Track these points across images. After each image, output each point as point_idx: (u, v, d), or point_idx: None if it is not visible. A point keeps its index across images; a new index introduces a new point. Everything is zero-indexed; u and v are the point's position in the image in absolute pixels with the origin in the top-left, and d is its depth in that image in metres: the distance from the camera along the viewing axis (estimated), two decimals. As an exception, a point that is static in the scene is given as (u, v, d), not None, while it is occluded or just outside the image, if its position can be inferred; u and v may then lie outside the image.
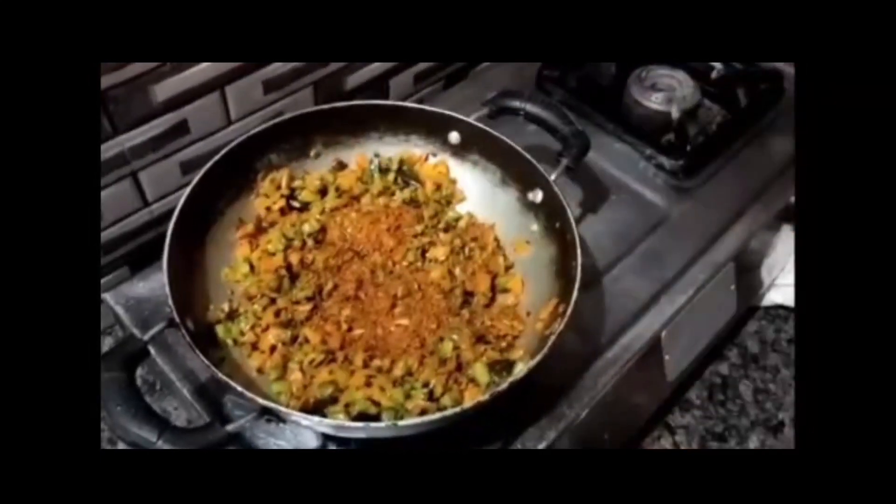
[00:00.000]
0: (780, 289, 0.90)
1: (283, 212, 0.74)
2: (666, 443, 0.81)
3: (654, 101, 0.90)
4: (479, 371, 0.64)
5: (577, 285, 0.61)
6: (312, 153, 0.76)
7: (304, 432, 0.64)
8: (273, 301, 0.68)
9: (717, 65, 0.96)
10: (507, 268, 0.74)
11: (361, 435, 0.58)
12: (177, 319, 0.57)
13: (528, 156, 0.71)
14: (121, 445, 0.76)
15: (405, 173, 0.78)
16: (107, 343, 0.83)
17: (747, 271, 0.86)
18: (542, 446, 0.66)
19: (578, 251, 0.63)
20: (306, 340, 0.66)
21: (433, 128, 0.77)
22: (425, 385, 0.63)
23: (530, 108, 0.74)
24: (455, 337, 0.66)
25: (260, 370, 0.65)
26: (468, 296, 0.71)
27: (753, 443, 0.81)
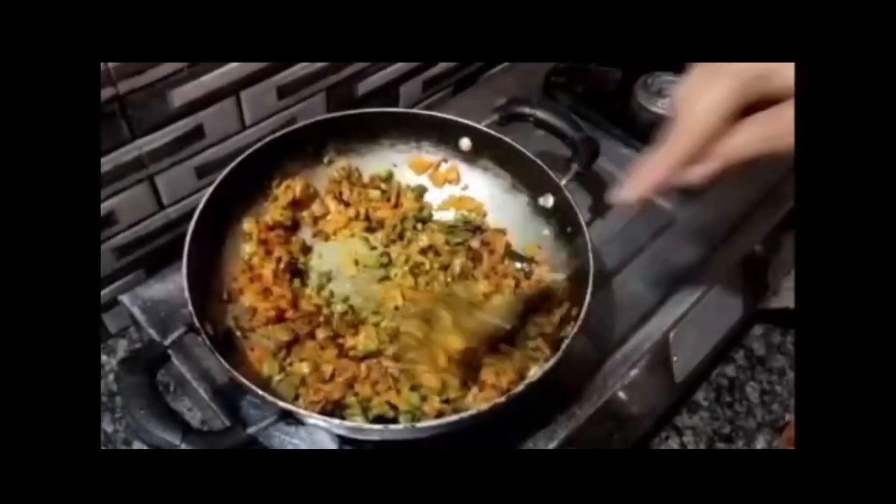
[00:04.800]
0: (787, 292, 0.91)
1: (297, 218, 0.76)
2: (674, 444, 0.82)
3: (660, 107, 0.91)
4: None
5: (589, 289, 0.62)
6: (326, 160, 0.77)
7: (320, 434, 0.65)
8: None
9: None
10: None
11: (379, 437, 0.59)
12: (197, 324, 0.58)
13: (539, 161, 0.72)
14: (136, 445, 0.76)
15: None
16: (121, 345, 0.84)
17: (754, 274, 0.87)
18: (552, 446, 0.67)
19: (590, 255, 0.64)
20: (324, 345, 0.67)
21: (444, 134, 0.78)
22: (441, 388, 0.64)
23: (540, 114, 0.75)
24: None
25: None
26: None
27: (760, 444, 0.82)
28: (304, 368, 0.64)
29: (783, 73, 0.46)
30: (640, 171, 0.52)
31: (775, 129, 0.47)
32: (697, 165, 0.49)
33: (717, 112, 0.47)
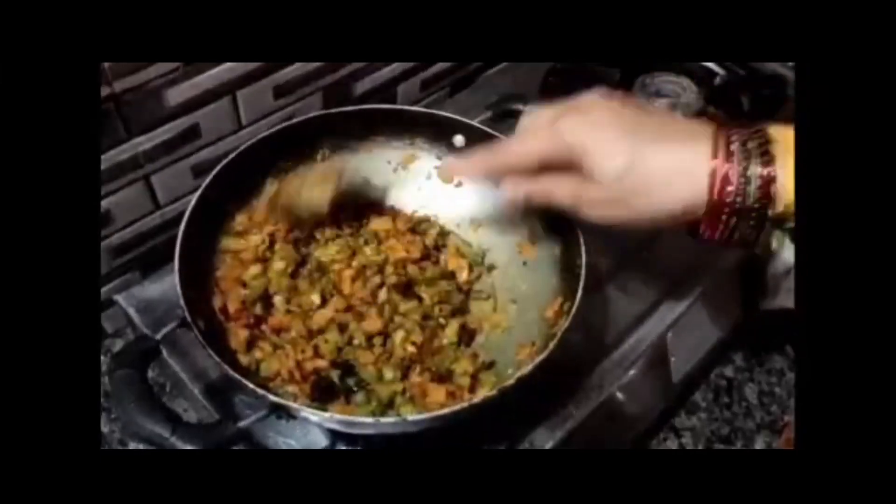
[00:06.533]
0: (785, 292, 0.91)
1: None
2: (672, 445, 0.82)
3: (659, 107, 0.90)
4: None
5: (581, 283, 0.62)
6: (319, 157, 0.77)
7: (313, 431, 0.64)
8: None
9: (721, 71, 0.97)
10: None
11: (371, 431, 0.59)
12: (189, 319, 0.58)
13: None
14: (132, 446, 0.76)
15: None
16: (118, 345, 0.83)
17: (752, 274, 0.87)
18: (548, 446, 0.67)
19: (582, 249, 0.64)
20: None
21: (438, 131, 0.77)
22: (432, 382, 0.64)
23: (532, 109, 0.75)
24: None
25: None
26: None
27: (759, 445, 0.82)
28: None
29: (591, 158, 0.52)
30: (469, 158, 0.61)
31: (575, 198, 0.55)
32: (512, 182, 0.58)
33: (534, 155, 0.56)
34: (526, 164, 0.56)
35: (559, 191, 0.56)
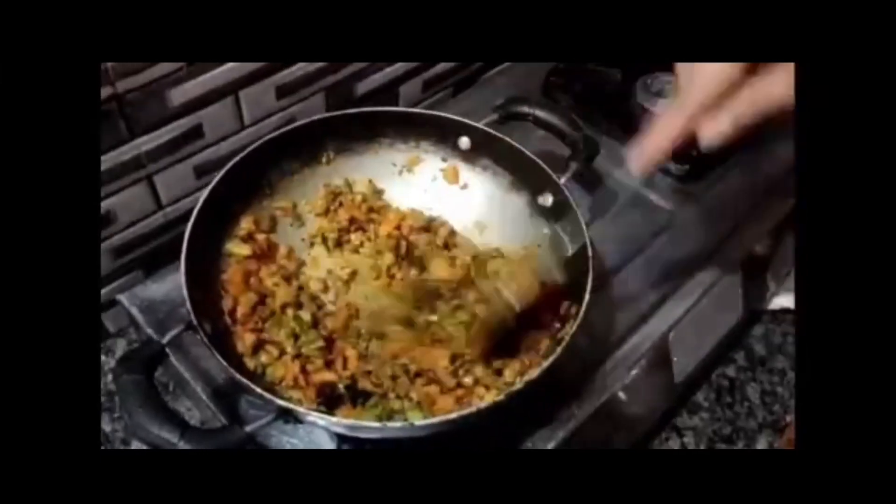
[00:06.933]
0: (787, 292, 0.91)
1: (295, 218, 0.75)
2: (674, 444, 0.82)
3: (661, 108, 0.90)
4: (492, 372, 0.65)
5: (588, 288, 0.62)
6: (324, 160, 0.77)
7: (317, 432, 0.64)
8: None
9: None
10: None
11: (378, 435, 0.59)
12: (195, 323, 0.58)
13: (538, 160, 0.71)
14: (134, 445, 0.76)
15: None
16: (120, 345, 0.83)
17: (753, 274, 0.87)
18: (551, 446, 0.67)
19: (589, 253, 0.64)
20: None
21: (443, 133, 0.77)
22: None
23: (539, 113, 0.75)
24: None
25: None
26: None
27: (761, 445, 0.82)
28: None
29: None
30: (654, 132, 0.51)
31: (780, 89, 0.47)
32: (709, 124, 0.49)
33: (727, 70, 0.48)
34: (723, 83, 0.48)
35: (776, 88, 0.47)
